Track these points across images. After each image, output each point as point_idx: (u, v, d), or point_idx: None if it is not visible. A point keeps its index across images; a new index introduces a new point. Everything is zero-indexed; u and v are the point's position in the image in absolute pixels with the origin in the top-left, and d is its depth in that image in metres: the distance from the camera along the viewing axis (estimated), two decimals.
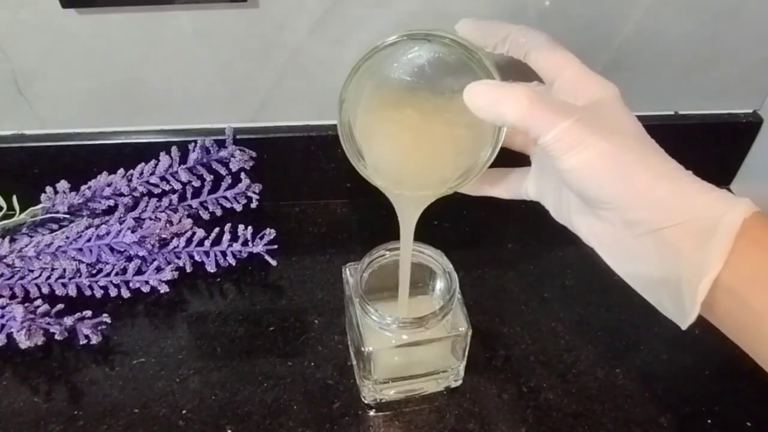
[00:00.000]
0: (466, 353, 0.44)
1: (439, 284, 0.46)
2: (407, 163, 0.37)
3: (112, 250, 0.51)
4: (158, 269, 0.52)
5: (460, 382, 0.46)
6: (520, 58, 0.36)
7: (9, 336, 0.47)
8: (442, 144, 0.37)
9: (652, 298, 0.33)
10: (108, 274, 0.51)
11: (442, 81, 0.34)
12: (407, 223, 0.40)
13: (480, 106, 0.32)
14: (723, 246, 0.28)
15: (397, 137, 0.36)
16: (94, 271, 0.52)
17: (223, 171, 0.56)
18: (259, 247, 0.54)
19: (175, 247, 0.53)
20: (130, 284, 0.52)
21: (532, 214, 0.61)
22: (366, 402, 0.45)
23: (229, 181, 0.56)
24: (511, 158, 0.39)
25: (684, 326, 0.31)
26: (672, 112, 0.58)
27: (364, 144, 0.36)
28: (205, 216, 0.58)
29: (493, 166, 0.36)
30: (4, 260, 0.50)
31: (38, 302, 0.49)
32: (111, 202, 0.55)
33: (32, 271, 0.51)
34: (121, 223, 0.52)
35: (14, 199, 0.55)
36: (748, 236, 0.28)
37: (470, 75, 0.33)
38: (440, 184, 0.37)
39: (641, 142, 0.32)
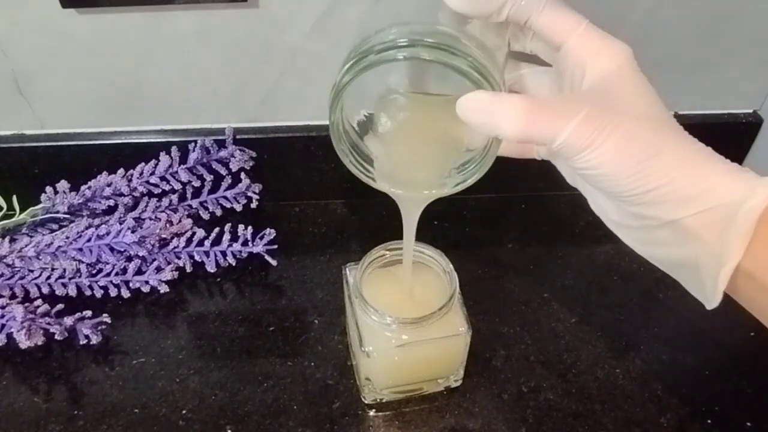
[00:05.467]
0: (466, 353, 0.44)
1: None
2: (408, 166, 0.37)
3: (112, 250, 0.51)
4: (158, 269, 0.52)
5: (460, 382, 0.46)
6: (521, 24, 0.33)
7: (9, 336, 0.47)
8: (443, 146, 0.36)
9: (674, 275, 0.32)
10: (108, 274, 0.51)
11: (435, 83, 0.33)
12: (410, 220, 0.40)
13: (473, 122, 0.29)
14: (743, 234, 0.27)
15: (397, 142, 0.36)
16: (94, 271, 0.52)
17: (223, 171, 0.56)
18: (259, 247, 0.54)
19: (175, 247, 0.53)
20: (130, 284, 0.52)
21: (532, 214, 0.61)
22: (366, 402, 0.45)
23: (229, 181, 0.56)
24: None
25: (709, 308, 0.30)
26: (672, 113, 0.58)
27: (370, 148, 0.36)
28: (205, 216, 0.58)
29: None
30: (4, 260, 0.50)
31: (38, 302, 0.49)
32: (111, 202, 0.55)
33: (32, 271, 0.51)
34: (121, 223, 0.52)
35: (14, 199, 0.55)
36: None
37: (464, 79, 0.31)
38: (443, 183, 0.36)
39: (658, 122, 0.30)
